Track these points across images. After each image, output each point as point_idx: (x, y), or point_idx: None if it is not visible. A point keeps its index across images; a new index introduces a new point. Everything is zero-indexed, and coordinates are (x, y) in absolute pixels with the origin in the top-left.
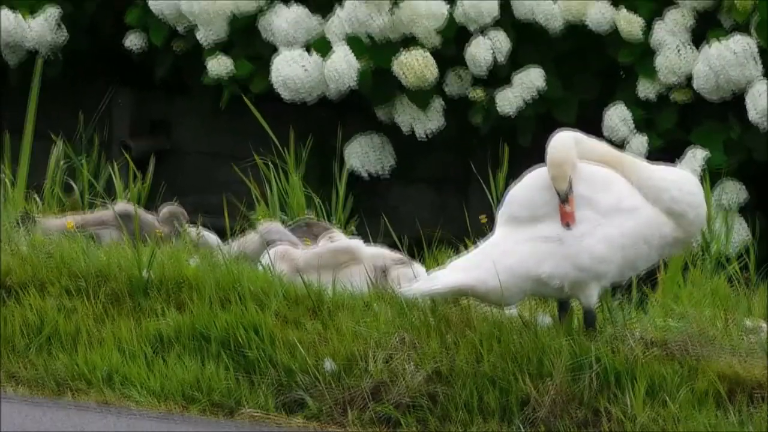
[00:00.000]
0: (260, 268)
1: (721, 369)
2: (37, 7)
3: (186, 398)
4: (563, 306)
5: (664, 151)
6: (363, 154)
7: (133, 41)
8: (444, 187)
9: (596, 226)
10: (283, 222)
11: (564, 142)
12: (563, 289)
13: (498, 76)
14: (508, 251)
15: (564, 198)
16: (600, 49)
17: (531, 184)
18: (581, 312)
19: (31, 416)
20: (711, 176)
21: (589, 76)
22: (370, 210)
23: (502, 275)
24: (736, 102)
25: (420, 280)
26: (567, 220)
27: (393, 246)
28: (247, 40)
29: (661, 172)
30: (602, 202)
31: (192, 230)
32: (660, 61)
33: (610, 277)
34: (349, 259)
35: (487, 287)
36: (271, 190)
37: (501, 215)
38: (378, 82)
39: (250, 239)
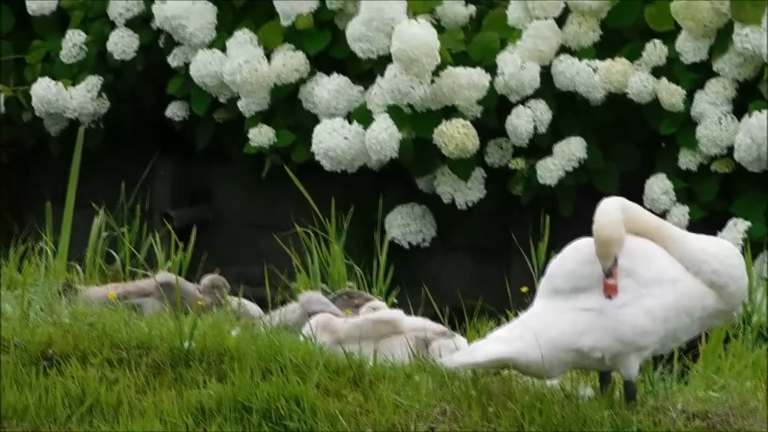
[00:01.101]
0: (301, 338)
1: None
2: (78, 77)
3: None
4: (604, 377)
5: (706, 222)
6: (404, 225)
7: (174, 111)
8: (484, 257)
9: (637, 297)
10: (324, 292)
11: (612, 218)
12: (604, 361)
13: (539, 146)
14: (550, 323)
15: (608, 273)
16: (641, 119)
17: (573, 257)
18: (622, 384)
19: None
20: (752, 247)
21: (630, 146)
22: (411, 279)
23: (544, 347)
24: None
25: (461, 351)
26: (609, 292)
27: (434, 316)
28: (289, 109)
29: (702, 243)
30: (643, 274)
31: (233, 300)
32: (701, 132)
33: (651, 348)
34: (390, 331)
35: (529, 359)
36: (312, 260)
37: (542, 287)
38: (419, 152)
39: (291, 309)
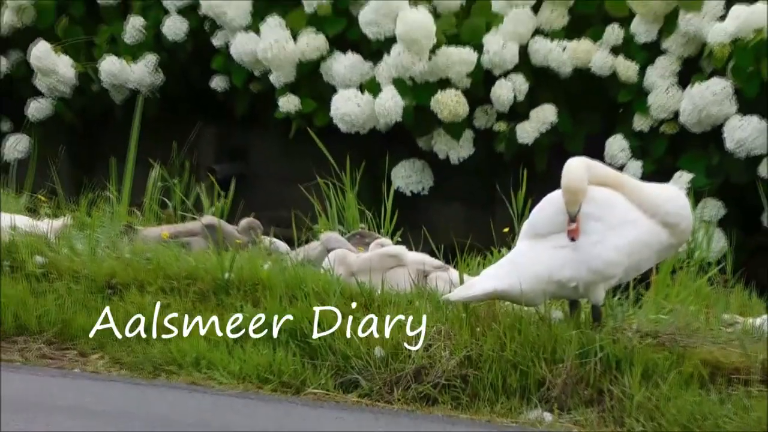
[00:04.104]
0: (321, 270)
1: (703, 356)
2: (137, 55)
3: (260, 379)
4: (573, 304)
5: (656, 175)
6: (406, 176)
7: (217, 83)
8: (473, 204)
9: (605, 236)
10: (340, 232)
11: (578, 171)
12: (578, 290)
13: (518, 112)
14: (534, 260)
15: (573, 218)
16: (602, 90)
17: (549, 207)
18: (588, 308)
19: (132, 395)
20: (695, 195)
21: (594, 113)
22: (413, 223)
23: (530, 280)
24: (715, 133)
25: (459, 288)
26: (572, 236)
27: (431, 253)
28: (311, 82)
29: (657, 190)
30: (609, 217)
31: (266, 240)
32: (652, 100)
33: (617, 277)
34: (395, 263)
35: (518, 291)
36: (330, 206)
37: (524, 231)
38: (419, 116)
39: (313, 247)
